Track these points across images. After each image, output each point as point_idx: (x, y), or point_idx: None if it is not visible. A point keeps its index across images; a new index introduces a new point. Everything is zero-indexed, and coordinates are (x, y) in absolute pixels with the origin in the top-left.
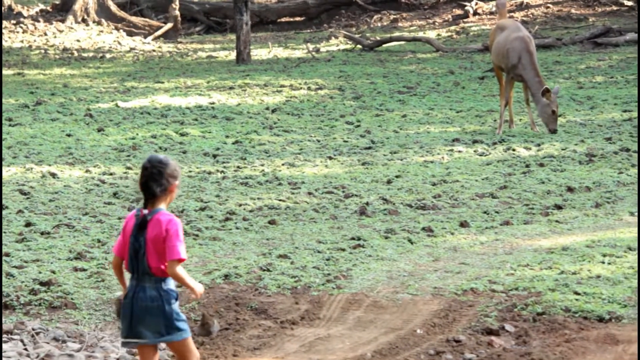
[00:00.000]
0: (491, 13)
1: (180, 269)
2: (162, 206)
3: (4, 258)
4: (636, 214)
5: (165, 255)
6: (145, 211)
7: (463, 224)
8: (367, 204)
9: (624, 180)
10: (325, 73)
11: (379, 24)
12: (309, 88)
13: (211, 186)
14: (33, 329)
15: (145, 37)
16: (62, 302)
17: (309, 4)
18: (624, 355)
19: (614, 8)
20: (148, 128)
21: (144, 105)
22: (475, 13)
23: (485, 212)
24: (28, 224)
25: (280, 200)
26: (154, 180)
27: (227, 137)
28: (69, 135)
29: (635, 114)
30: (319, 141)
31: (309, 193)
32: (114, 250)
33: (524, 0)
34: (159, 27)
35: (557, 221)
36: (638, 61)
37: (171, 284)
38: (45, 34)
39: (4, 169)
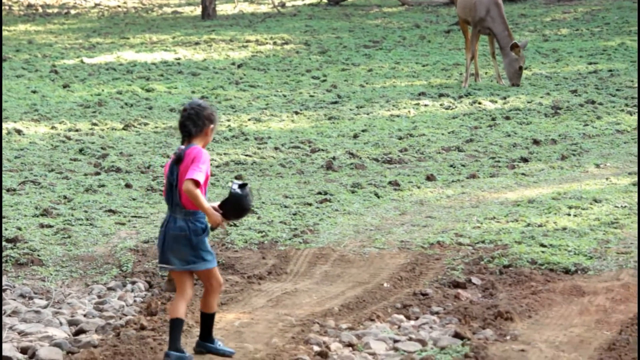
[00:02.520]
0: None
1: (193, 189)
2: (198, 144)
3: None
4: (602, 165)
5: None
6: (182, 147)
7: (429, 178)
8: (333, 158)
9: (589, 133)
10: (291, 28)
11: None
12: (274, 43)
13: (177, 142)
14: None
15: None
16: (28, 258)
17: None
18: (590, 307)
19: None
20: (114, 84)
21: (110, 61)
22: None
23: (451, 166)
24: None
25: (246, 155)
26: (191, 120)
27: (193, 92)
28: (34, 91)
29: (600, 66)
30: (285, 96)
31: (276, 148)
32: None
33: None
34: None
35: (523, 174)
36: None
37: (201, 217)
38: None
39: None
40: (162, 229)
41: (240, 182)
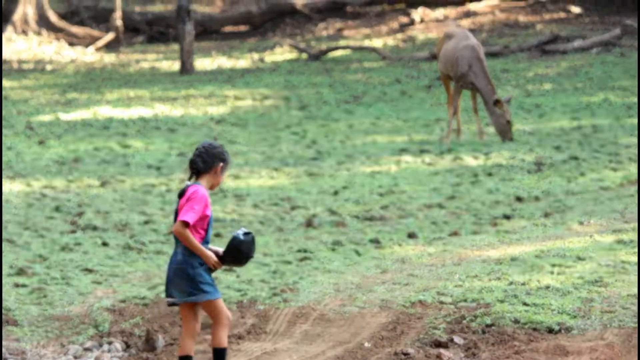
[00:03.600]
0: (437, 21)
1: (182, 230)
2: (203, 183)
3: None
4: (585, 222)
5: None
6: (188, 182)
7: (411, 235)
8: (313, 215)
9: (572, 189)
10: (270, 83)
11: (324, 33)
12: (254, 98)
13: (155, 199)
14: None
15: (86, 48)
16: (3, 318)
17: (253, 13)
18: None
19: (562, 15)
20: (90, 140)
21: (86, 117)
22: (421, 21)
23: (433, 223)
24: None
25: (225, 212)
26: (200, 157)
27: (170, 149)
28: (9, 148)
29: (584, 122)
30: (264, 152)
31: (255, 205)
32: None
33: (470, 8)
34: (101, 37)
35: (505, 231)
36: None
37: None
38: None
39: None
40: (168, 264)
41: (245, 230)
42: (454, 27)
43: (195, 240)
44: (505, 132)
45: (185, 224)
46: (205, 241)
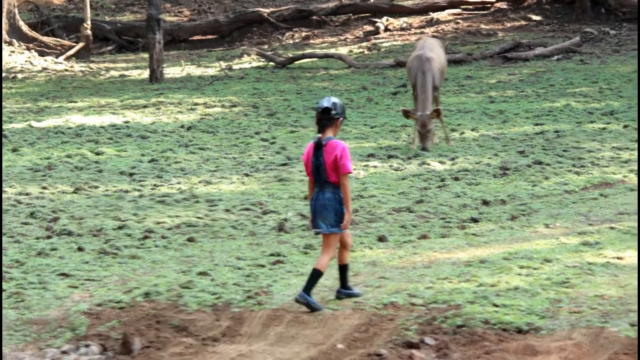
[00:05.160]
0: (402, 29)
1: (348, 181)
2: (331, 135)
3: None
4: (551, 225)
5: (339, 170)
6: (319, 135)
7: (381, 239)
8: (285, 220)
9: (537, 193)
10: (239, 90)
11: (291, 41)
12: (223, 105)
13: (128, 205)
14: None
15: (57, 57)
16: None
17: (221, 22)
18: None
19: (523, 23)
20: (63, 148)
21: (58, 124)
22: (386, 29)
23: (402, 227)
24: None
25: (198, 217)
26: (336, 113)
27: (142, 155)
28: None
29: (547, 127)
30: (234, 158)
31: (227, 210)
32: (307, 173)
33: (433, 16)
34: (71, 47)
35: (473, 234)
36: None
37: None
38: None
39: None
40: (313, 202)
41: None
42: (426, 36)
43: (349, 194)
44: (424, 141)
45: (349, 174)
46: None
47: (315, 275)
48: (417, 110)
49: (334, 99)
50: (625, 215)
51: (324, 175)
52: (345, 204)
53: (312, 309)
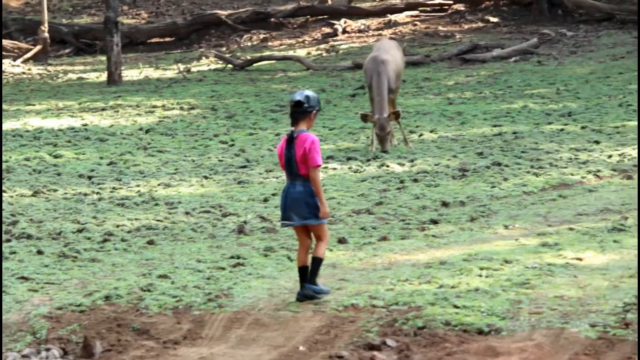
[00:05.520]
0: (360, 31)
1: (317, 174)
2: (304, 127)
3: None
4: (510, 226)
5: (308, 163)
6: (292, 128)
7: (341, 241)
8: (244, 222)
9: (497, 194)
10: (197, 93)
11: (249, 44)
12: (181, 108)
13: (87, 208)
14: None
15: (14, 60)
16: None
17: (179, 24)
18: None
19: (480, 25)
20: (21, 151)
21: (16, 127)
22: (344, 31)
23: (362, 228)
24: None
25: (157, 220)
26: (309, 105)
27: (101, 158)
28: None
29: (505, 129)
30: (194, 161)
31: (186, 213)
32: (281, 166)
33: (391, 18)
34: (28, 50)
35: (433, 236)
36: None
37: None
38: None
39: None
40: (283, 194)
41: None
42: (384, 38)
43: (321, 186)
44: (383, 143)
45: (318, 167)
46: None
47: (316, 263)
48: (375, 113)
49: (308, 92)
50: (584, 216)
51: (295, 168)
52: (318, 197)
53: (324, 294)
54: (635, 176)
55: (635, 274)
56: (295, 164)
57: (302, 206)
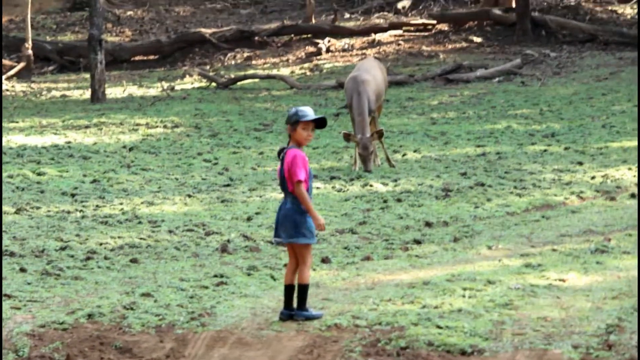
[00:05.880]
0: (343, 50)
1: (300, 189)
2: (292, 145)
3: None
4: (494, 247)
5: (291, 178)
6: (284, 146)
7: (324, 260)
8: (228, 241)
9: (480, 215)
10: (181, 111)
11: (233, 62)
12: (165, 126)
13: (71, 225)
14: None
15: None
16: None
17: (163, 42)
18: None
19: (464, 45)
20: (4, 168)
21: None
22: (328, 50)
23: (345, 248)
24: None
25: (141, 238)
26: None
27: (84, 176)
28: None
29: (488, 149)
30: (177, 179)
31: (170, 231)
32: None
33: (375, 38)
34: (12, 67)
35: (416, 256)
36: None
37: None
38: None
39: None
40: (278, 211)
41: None
42: (368, 57)
43: (309, 199)
44: (366, 163)
45: (300, 182)
46: (309, 191)
47: (302, 290)
48: (357, 133)
49: (294, 109)
50: (567, 237)
51: (285, 185)
52: (308, 211)
53: (315, 318)
54: (619, 197)
55: (619, 295)
56: (284, 180)
57: (290, 224)
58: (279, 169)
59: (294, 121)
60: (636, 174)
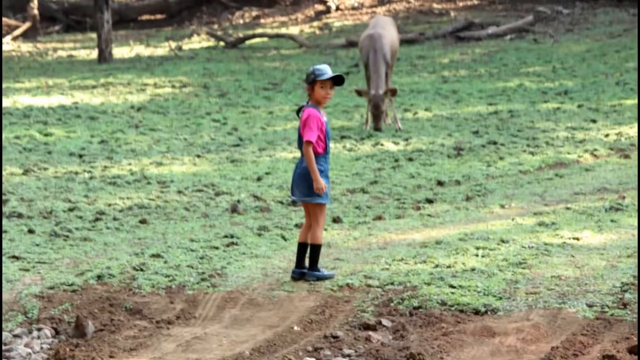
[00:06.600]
0: (353, 8)
1: (308, 151)
2: (311, 103)
3: None
4: (506, 206)
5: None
6: (303, 104)
7: (336, 220)
8: (238, 201)
9: (492, 173)
10: (189, 71)
11: (241, 21)
12: (173, 86)
13: (79, 186)
14: None
15: (3, 37)
16: None
17: (170, 1)
18: (501, 348)
19: (475, 2)
20: (11, 129)
21: (6, 105)
22: (337, 9)
23: (357, 208)
24: None
25: (150, 199)
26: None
27: (92, 136)
28: None
29: (500, 107)
30: (186, 139)
31: (179, 191)
32: None
33: None
34: (17, 27)
35: (429, 215)
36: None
37: (321, 161)
38: None
39: None
40: (295, 168)
41: None
42: (378, 15)
43: (314, 162)
44: (377, 121)
45: (309, 143)
46: (326, 152)
47: (314, 250)
48: (370, 89)
49: (311, 67)
50: (581, 195)
51: (301, 142)
52: (310, 172)
53: (327, 278)
54: (633, 155)
55: (633, 253)
56: (300, 139)
57: (305, 183)
58: (299, 127)
59: (312, 80)
60: None
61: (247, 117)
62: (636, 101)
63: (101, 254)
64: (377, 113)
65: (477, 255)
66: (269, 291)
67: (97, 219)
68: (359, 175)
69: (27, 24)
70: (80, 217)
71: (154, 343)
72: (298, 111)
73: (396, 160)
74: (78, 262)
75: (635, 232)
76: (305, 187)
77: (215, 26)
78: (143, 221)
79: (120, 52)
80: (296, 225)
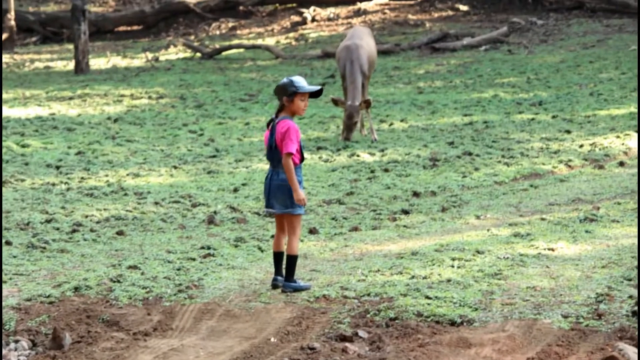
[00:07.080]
0: (329, 19)
1: (288, 162)
2: (285, 115)
3: None
4: (482, 216)
5: (282, 149)
6: (274, 117)
7: (312, 231)
8: (215, 212)
9: (468, 184)
10: (166, 82)
11: (218, 32)
12: (149, 97)
13: (56, 198)
14: None
15: None
16: None
17: (147, 12)
18: (477, 358)
19: (450, 13)
20: None
21: None
22: (313, 20)
23: (333, 219)
24: None
25: (127, 210)
26: (276, 94)
27: (69, 147)
28: None
29: (475, 118)
30: (162, 150)
31: (156, 203)
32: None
33: (360, 7)
34: None
35: (405, 226)
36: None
37: (298, 173)
38: None
39: None
40: (267, 182)
41: None
42: (356, 25)
43: (294, 173)
44: (347, 132)
45: (290, 155)
46: (301, 162)
47: (291, 261)
48: (347, 100)
49: (285, 79)
50: (556, 206)
51: (277, 154)
52: (290, 184)
53: (303, 290)
54: (607, 165)
55: (608, 264)
56: (275, 151)
57: (285, 195)
58: (268, 139)
59: (292, 92)
60: (624, 141)
61: (224, 128)
62: (609, 112)
63: (78, 265)
64: (349, 123)
65: (452, 267)
66: (246, 302)
67: (74, 231)
68: (335, 187)
69: (4, 35)
70: (57, 229)
71: (131, 355)
72: (269, 123)
73: (372, 172)
74: (55, 273)
75: (610, 242)
76: (286, 199)
77: (192, 37)
78: (120, 233)
79: (97, 63)
80: (272, 237)
